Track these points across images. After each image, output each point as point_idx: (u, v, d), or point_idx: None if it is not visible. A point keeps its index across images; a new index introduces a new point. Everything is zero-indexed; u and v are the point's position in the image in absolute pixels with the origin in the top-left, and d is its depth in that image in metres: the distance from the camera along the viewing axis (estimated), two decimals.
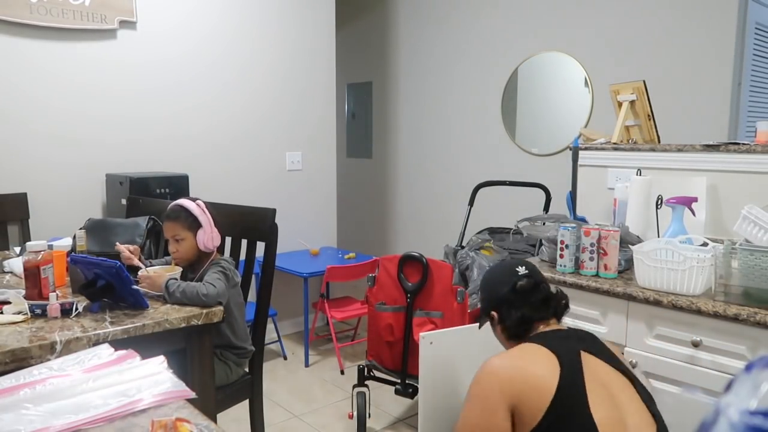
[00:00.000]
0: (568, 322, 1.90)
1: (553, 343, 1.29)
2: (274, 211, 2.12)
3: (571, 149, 2.40)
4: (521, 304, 1.40)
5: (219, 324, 1.82)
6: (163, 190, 2.79)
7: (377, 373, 2.50)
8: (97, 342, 1.37)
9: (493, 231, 3.13)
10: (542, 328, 1.40)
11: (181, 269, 1.82)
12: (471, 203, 3.18)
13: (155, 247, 2.20)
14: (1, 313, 1.47)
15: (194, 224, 1.88)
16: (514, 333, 1.41)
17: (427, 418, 1.90)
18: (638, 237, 1.97)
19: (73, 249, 2.01)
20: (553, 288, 1.48)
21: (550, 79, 3.46)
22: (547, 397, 1.19)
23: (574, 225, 1.92)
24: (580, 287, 1.83)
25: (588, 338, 1.38)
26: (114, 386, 0.97)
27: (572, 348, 1.28)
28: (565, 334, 1.37)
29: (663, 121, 2.44)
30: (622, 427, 1.19)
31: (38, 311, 1.49)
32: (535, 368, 1.24)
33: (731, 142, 2.07)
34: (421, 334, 1.91)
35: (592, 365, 1.26)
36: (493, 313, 1.44)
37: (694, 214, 1.95)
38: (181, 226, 1.88)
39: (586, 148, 2.36)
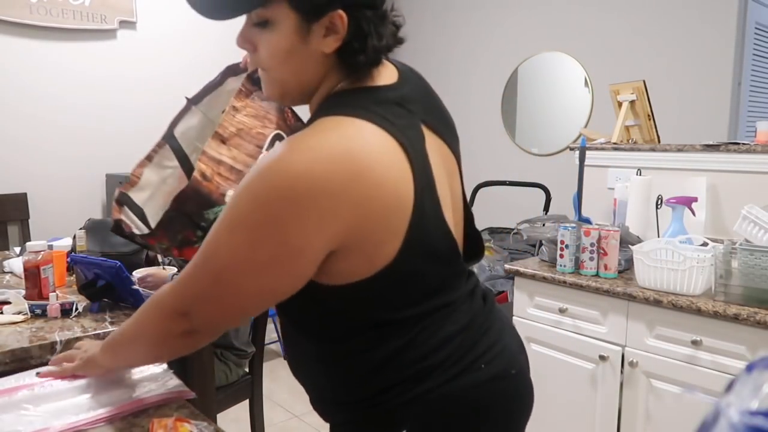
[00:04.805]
0: (567, 321, 1.91)
1: (394, 124, 0.75)
2: None
3: (572, 149, 2.40)
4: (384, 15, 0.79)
5: None
6: None
7: None
8: None
9: (493, 231, 3.14)
10: (373, 72, 0.80)
11: (176, 269, 1.81)
12: (471, 203, 3.18)
13: None
14: (1, 313, 1.47)
15: None
16: (353, 68, 0.78)
17: None
18: (638, 237, 1.97)
19: (73, 249, 2.01)
20: None
21: (550, 79, 3.45)
22: (403, 214, 0.73)
23: (574, 225, 1.92)
24: (580, 287, 1.83)
25: (422, 88, 0.89)
26: (114, 387, 0.97)
27: (415, 126, 0.79)
28: (399, 96, 0.80)
29: (663, 121, 2.44)
30: (459, 227, 0.88)
31: (38, 311, 1.49)
32: (387, 171, 0.72)
33: (731, 142, 2.07)
34: None
35: (435, 148, 0.81)
36: (342, 12, 0.73)
37: (694, 214, 1.95)
38: None
39: (587, 149, 2.36)
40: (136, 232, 1.10)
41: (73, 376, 0.99)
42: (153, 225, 1.06)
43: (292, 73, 0.78)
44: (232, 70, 1.17)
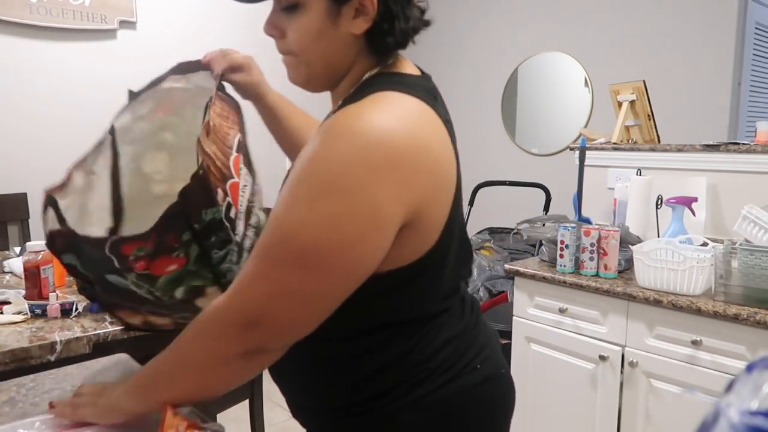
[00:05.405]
0: (567, 321, 1.91)
1: (438, 108, 0.75)
2: None
3: (572, 149, 2.40)
4: None
5: None
6: None
7: None
8: (97, 342, 1.37)
9: (493, 231, 3.14)
10: (401, 63, 0.80)
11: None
12: (471, 203, 3.18)
13: None
14: (1, 313, 1.47)
15: None
16: (382, 50, 0.76)
17: None
18: (638, 237, 1.97)
19: None
20: None
21: (550, 79, 3.45)
22: (450, 198, 0.74)
23: (574, 225, 1.92)
24: (580, 287, 1.83)
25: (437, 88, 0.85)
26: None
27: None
28: (431, 87, 0.80)
29: (663, 121, 2.44)
30: None
31: (38, 311, 1.49)
32: (443, 151, 0.73)
33: (731, 142, 2.07)
34: None
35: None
36: None
37: (694, 214, 1.95)
38: None
39: (587, 149, 2.36)
40: (84, 233, 0.91)
41: (85, 424, 0.80)
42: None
43: (322, 55, 0.76)
44: (180, 68, 1.08)
